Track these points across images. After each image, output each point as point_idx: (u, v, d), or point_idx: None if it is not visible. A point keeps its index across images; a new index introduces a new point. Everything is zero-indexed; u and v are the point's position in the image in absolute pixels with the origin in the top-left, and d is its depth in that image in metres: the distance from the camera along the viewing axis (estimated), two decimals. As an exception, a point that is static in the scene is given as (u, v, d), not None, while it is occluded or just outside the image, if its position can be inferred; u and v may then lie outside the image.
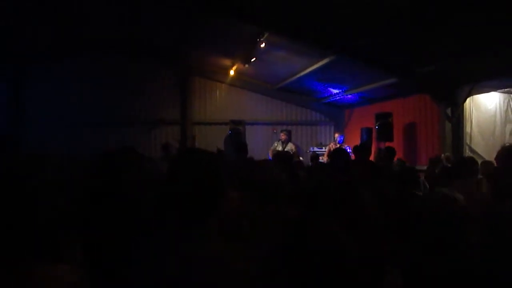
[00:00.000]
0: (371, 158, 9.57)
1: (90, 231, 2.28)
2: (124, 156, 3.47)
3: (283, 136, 13.76)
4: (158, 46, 14.52)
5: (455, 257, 2.43)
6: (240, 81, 15.58)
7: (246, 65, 12.73)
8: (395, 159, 9.16)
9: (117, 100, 14.92)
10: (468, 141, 10.24)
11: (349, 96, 13.88)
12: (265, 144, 14.52)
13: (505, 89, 9.83)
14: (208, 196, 1.91)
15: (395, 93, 12.11)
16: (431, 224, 2.58)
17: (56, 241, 1.78)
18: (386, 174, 5.61)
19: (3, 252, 1.64)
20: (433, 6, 6.55)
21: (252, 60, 12.03)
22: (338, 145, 13.05)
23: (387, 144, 10.72)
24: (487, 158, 8.50)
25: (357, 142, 11.99)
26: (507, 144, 6.20)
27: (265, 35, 9.95)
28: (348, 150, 12.46)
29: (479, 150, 10.08)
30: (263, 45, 10.37)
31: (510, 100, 10.33)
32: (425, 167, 9.27)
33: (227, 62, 13.99)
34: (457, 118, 10.11)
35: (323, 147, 14.28)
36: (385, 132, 11.81)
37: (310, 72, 11.94)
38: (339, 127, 16.09)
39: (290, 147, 13.25)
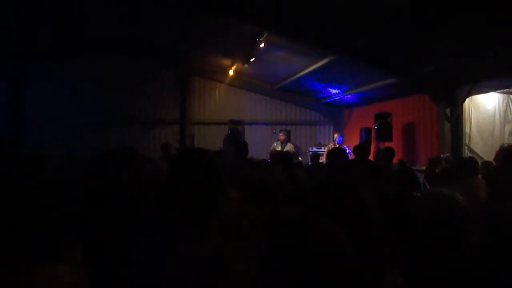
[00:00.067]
0: (370, 158, 9.57)
1: (90, 231, 2.28)
2: (124, 156, 3.47)
3: (282, 136, 13.76)
4: (157, 46, 14.52)
5: (455, 257, 2.43)
6: (240, 81, 15.59)
7: (246, 65, 12.73)
8: (396, 159, 9.17)
9: (117, 100, 14.92)
10: (467, 141, 10.25)
11: (349, 96, 13.89)
12: (264, 144, 14.52)
13: (504, 90, 9.84)
14: (208, 196, 1.91)
15: (394, 93, 12.11)
16: (431, 224, 2.58)
17: (56, 241, 1.78)
18: (385, 174, 5.61)
19: (3, 252, 1.64)
20: (433, 6, 6.55)
21: (252, 60, 12.02)
22: (337, 145, 13.06)
23: (386, 144, 10.73)
24: (486, 158, 8.51)
25: (356, 142, 12.00)
26: (506, 145, 6.21)
27: (265, 35, 9.95)
28: (348, 150, 12.52)
29: (478, 150, 10.08)
30: (262, 45, 10.37)
31: (509, 100, 10.34)
32: (424, 167, 9.28)
33: (226, 62, 13.99)
34: (456, 118, 10.11)
35: (322, 147, 14.28)
36: (384, 132, 11.81)
37: (310, 72, 11.94)
38: (338, 127, 16.09)
39: (289, 147, 13.24)
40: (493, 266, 2.27)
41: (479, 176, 5.98)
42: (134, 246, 1.94)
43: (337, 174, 4.73)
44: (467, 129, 10.26)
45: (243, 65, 12.83)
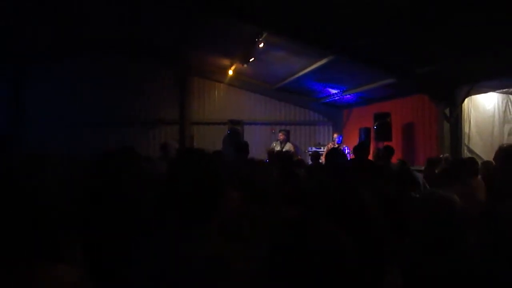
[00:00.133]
0: (370, 158, 9.57)
1: (90, 231, 2.29)
2: (124, 156, 3.48)
3: (281, 136, 13.77)
4: (157, 46, 14.51)
5: (454, 257, 2.43)
6: (239, 81, 15.59)
7: (245, 65, 12.74)
8: (397, 159, 9.16)
9: (116, 100, 14.93)
10: (466, 141, 10.25)
11: (348, 96, 13.89)
12: (263, 144, 14.52)
13: (504, 90, 9.85)
14: (208, 196, 1.91)
15: (393, 93, 12.11)
16: (430, 225, 2.58)
17: (56, 241, 1.78)
18: (385, 173, 5.62)
19: (3, 252, 1.64)
20: (432, 6, 6.55)
21: (251, 60, 12.04)
22: (336, 145, 13.06)
23: (386, 144, 10.73)
24: (485, 158, 8.51)
25: (356, 142, 12.00)
26: (505, 145, 6.21)
27: (264, 35, 9.95)
28: (347, 150, 12.52)
29: (477, 150, 10.08)
30: (261, 45, 10.38)
31: (509, 100, 10.34)
32: (423, 168, 9.27)
33: (225, 62, 13.99)
34: (456, 118, 10.11)
35: (322, 147, 14.28)
36: (384, 132, 11.81)
37: (309, 72, 11.94)
38: (338, 127, 16.09)
39: (288, 147, 13.25)
40: (492, 266, 2.27)
41: (479, 176, 5.98)
42: (134, 246, 1.94)
43: (336, 174, 4.74)
44: (466, 129, 10.26)
45: (243, 65, 12.84)
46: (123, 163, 3.15)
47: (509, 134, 10.13)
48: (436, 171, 7.80)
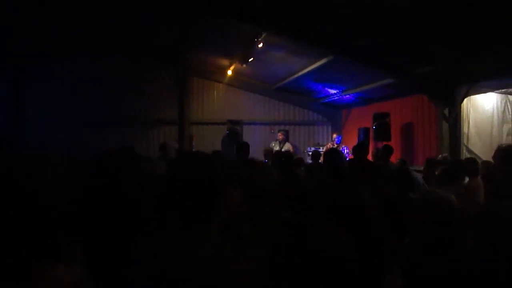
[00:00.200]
0: (369, 157, 9.57)
1: (90, 231, 2.29)
2: (124, 156, 3.48)
3: (280, 136, 13.78)
4: (157, 46, 14.51)
5: (454, 257, 2.44)
6: (238, 81, 15.59)
7: (244, 65, 12.74)
8: (397, 159, 9.16)
9: (116, 100, 14.92)
10: (465, 142, 10.25)
11: (347, 96, 13.89)
12: (262, 144, 14.49)
13: (503, 90, 9.85)
14: (208, 196, 1.91)
15: (392, 93, 12.12)
16: (430, 224, 2.59)
17: (56, 241, 1.78)
18: (384, 173, 5.62)
19: (3, 252, 1.64)
20: (432, 6, 6.55)
21: (250, 60, 12.04)
22: (335, 145, 13.07)
23: (384, 143, 10.73)
24: (484, 158, 8.52)
25: (355, 142, 11.99)
26: (504, 145, 6.22)
27: (263, 35, 9.95)
28: (346, 151, 12.52)
29: (476, 150, 10.08)
30: (261, 45, 10.38)
31: (508, 100, 10.34)
32: (422, 168, 9.27)
33: (225, 62, 13.99)
34: (455, 118, 10.11)
35: (321, 147, 14.27)
36: (383, 132, 11.81)
37: (308, 72, 11.94)
38: (337, 127, 16.10)
39: (287, 147, 13.26)
40: (491, 266, 2.27)
41: (479, 177, 5.99)
42: (134, 246, 1.94)
43: (335, 174, 4.74)
44: (465, 129, 10.26)
45: (242, 65, 12.84)
46: (123, 163, 3.15)
47: (508, 134, 10.13)
48: (436, 172, 7.80)
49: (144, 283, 1.82)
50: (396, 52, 9.06)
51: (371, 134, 12.41)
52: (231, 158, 7.40)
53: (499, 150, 5.13)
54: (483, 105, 10.32)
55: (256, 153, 11.63)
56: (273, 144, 13.54)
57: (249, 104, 16.17)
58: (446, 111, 10.16)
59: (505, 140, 9.78)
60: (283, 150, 12.28)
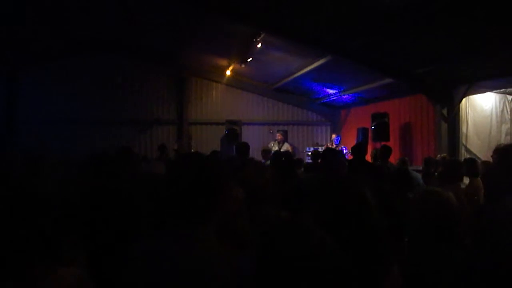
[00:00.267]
0: (368, 158, 9.57)
1: (90, 231, 2.28)
2: (122, 156, 3.47)
3: (279, 136, 13.78)
4: (155, 47, 14.50)
5: (453, 256, 2.44)
6: (237, 81, 15.59)
7: (243, 65, 12.76)
8: (398, 158, 9.15)
9: (114, 100, 14.91)
10: (464, 141, 10.26)
11: (346, 96, 13.91)
12: (261, 144, 14.52)
13: (501, 90, 9.85)
14: (207, 196, 1.91)
15: (391, 93, 12.14)
16: (428, 224, 2.59)
17: (57, 242, 1.78)
18: (382, 173, 5.62)
19: (3, 253, 1.64)
20: (431, 6, 6.55)
21: (249, 60, 12.05)
22: (334, 146, 13.08)
23: (383, 144, 10.74)
24: (482, 158, 8.52)
25: (354, 142, 12.00)
26: (502, 144, 6.22)
27: (262, 36, 9.96)
28: (345, 151, 12.52)
29: (475, 150, 10.09)
30: (259, 45, 10.39)
31: (506, 100, 10.34)
32: (420, 167, 9.28)
33: (223, 62, 13.99)
34: (453, 118, 10.13)
35: (320, 147, 14.28)
36: (381, 132, 11.82)
37: (307, 73, 11.97)
38: (335, 127, 16.12)
39: (286, 147, 13.26)
40: (489, 264, 2.27)
41: (479, 178, 5.98)
42: (133, 246, 1.94)
43: (333, 174, 4.73)
44: (464, 129, 10.27)
45: (240, 65, 12.86)
46: (121, 164, 3.15)
47: (506, 134, 10.12)
48: (436, 173, 7.80)
49: (143, 283, 1.82)
50: (393, 53, 9.07)
51: (370, 134, 12.42)
52: (230, 158, 7.38)
53: (497, 149, 5.13)
54: (481, 105, 10.31)
55: (255, 153, 11.64)
56: (272, 144, 13.54)
57: (248, 104, 16.18)
58: (445, 111, 10.18)
59: (503, 140, 9.77)
60: (281, 150, 12.27)
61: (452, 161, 6.64)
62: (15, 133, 13.80)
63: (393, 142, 11.71)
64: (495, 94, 10.14)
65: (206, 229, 1.89)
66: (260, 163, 4.61)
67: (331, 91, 14.19)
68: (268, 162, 7.90)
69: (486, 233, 2.41)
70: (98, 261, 2.08)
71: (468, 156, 9.54)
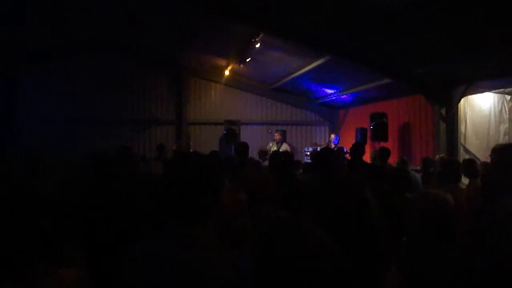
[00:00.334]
0: (367, 158, 9.58)
1: (90, 231, 2.28)
2: (121, 156, 3.47)
3: (277, 136, 13.77)
4: (154, 47, 14.49)
5: (452, 256, 2.44)
6: (235, 81, 15.59)
7: (241, 65, 12.77)
8: (397, 157, 9.16)
9: (113, 100, 14.90)
10: (462, 141, 10.26)
11: (344, 96, 13.91)
12: (260, 144, 14.53)
13: (500, 90, 9.85)
14: (206, 196, 1.91)
15: (390, 94, 12.14)
16: (427, 224, 2.59)
17: (57, 242, 1.78)
18: (381, 173, 5.63)
19: (3, 253, 1.64)
20: (430, 6, 6.56)
21: (247, 60, 12.05)
22: (333, 146, 13.08)
23: (382, 144, 10.75)
24: (481, 158, 8.53)
25: (352, 142, 11.99)
26: (501, 144, 6.23)
27: (260, 36, 9.96)
28: (344, 151, 12.52)
29: (473, 150, 10.09)
30: (258, 45, 10.39)
31: (504, 100, 10.34)
32: (419, 167, 9.28)
33: (222, 62, 13.99)
34: (452, 118, 10.13)
35: (318, 148, 14.28)
36: (380, 132, 11.82)
37: (305, 73, 11.97)
38: (334, 128, 16.12)
39: (284, 147, 13.25)
40: (487, 264, 2.28)
41: (479, 178, 5.99)
42: (133, 246, 1.94)
43: (329, 174, 4.73)
44: (462, 129, 10.27)
45: (239, 65, 12.86)
46: (121, 164, 3.14)
47: (505, 134, 10.12)
48: (435, 173, 7.80)
49: (143, 283, 1.82)
50: (394, 53, 9.08)
51: (369, 134, 12.42)
52: (228, 158, 7.38)
53: (495, 149, 5.14)
54: (480, 105, 10.32)
55: (254, 153, 11.65)
56: (271, 145, 13.54)
57: (247, 104, 16.17)
58: (443, 111, 10.18)
59: (502, 140, 9.77)
60: (280, 150, 12.27)
61: (450, 161, 6.66)
62: (15, 133, 13.76)
63: (392, 142, 11.72)
64: (494, 94, 10.14)
65: (206, 229, 1.89)
66: (259, 163, 4.62)
67: (330, 91, 14.20)
68: (266, 162, 7.90)
69: (486, 233, 2.42)
70: (98, 261, 2.09)
71: (466, 156, 9.55)
